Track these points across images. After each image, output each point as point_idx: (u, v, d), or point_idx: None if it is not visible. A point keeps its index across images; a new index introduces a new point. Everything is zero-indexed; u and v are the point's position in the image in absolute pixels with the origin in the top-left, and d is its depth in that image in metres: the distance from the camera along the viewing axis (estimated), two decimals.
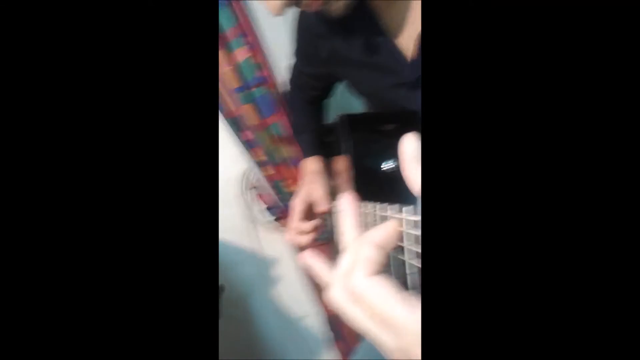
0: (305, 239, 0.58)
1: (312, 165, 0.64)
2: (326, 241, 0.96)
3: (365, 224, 0.28)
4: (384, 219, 0.23)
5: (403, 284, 0.20)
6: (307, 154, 0.67)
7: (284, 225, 1.07)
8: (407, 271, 0.20)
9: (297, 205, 0.59)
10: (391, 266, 0.22)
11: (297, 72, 0.67)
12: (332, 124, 0.69)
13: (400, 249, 0.21)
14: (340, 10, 0.38)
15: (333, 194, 0.63)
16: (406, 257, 0.20)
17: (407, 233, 0.20)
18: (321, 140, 0.69)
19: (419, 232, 0.19)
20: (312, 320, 1.25)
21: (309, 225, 0.58)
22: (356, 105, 0.64)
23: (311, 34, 0.55)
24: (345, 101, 0.87)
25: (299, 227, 0.58)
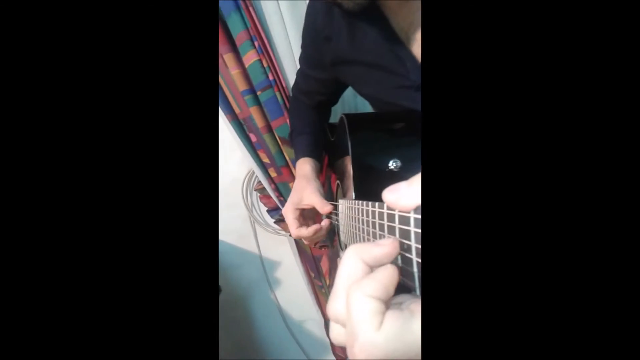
0: (308, 243, 0.60)
1: (304, 168, 0.64)
2: (327, 243, 0.96)
3: (371, 223, 0.28)
4: (391, 217, 0.23)
5: (411, 282, 0.21)
6: (300, 155, 0.67)
7: (285, 228, 1.07)
8: (415, 269, 0.21)
9: (288, 213, 0.59)
10: (399, 264, 0.22)
11: (304, 77, 0.67)
12: (334, 124, 0.69)
13: (408, 247, 0.21)
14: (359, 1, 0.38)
15: (334, 195, 0.63)
16: (414, 255, 0.20)
17: (416, 232, 0.20)
18: (322, 141, 0.69)
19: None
20: (312, 324, 1.24)
21: (309, 231, 0.59)
22: (367, 105, 0.64)
23: (317, 38, 0.55)
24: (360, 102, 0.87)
25: (298, 234, 0.59)
